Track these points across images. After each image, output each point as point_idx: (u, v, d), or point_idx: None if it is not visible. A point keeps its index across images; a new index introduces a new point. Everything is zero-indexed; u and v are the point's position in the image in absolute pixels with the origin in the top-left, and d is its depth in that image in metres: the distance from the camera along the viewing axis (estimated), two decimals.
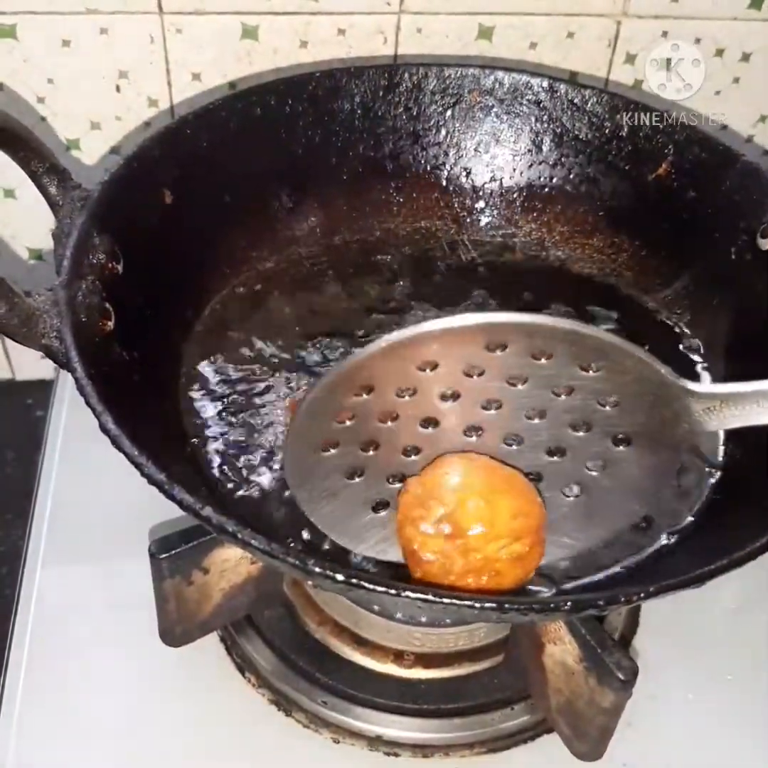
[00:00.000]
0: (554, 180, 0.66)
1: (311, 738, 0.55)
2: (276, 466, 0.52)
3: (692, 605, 0.60)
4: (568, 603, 0.38)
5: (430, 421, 0.47)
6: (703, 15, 0.69)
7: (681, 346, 0.60)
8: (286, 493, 0.50)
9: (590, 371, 0.45)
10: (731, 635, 0.61)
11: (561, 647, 0.48)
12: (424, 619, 0.55)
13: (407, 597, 0.37)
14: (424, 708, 0.55)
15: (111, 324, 0.49)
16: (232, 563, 0.52)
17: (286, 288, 0.62)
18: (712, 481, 0.52)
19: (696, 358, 0.59)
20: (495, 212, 0.67)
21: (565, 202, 0.66)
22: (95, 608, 0.59)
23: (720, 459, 0.53)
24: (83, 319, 0.46)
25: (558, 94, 0.64)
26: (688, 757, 0.55)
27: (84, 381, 0.43)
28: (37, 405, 0.78)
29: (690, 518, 0.51)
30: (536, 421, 0.47)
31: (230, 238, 0.61)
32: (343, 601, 0.57)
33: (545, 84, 0.64)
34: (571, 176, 0.65)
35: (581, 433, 0.47)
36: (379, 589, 0.37)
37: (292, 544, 0.48)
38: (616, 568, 0.48)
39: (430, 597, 0.38)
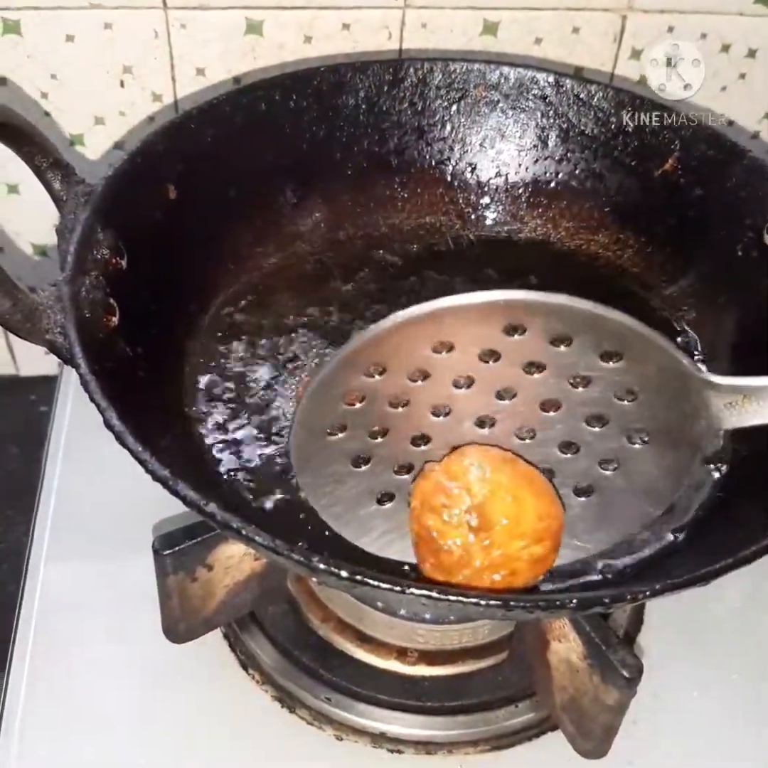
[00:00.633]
0: (560, 175, 0.66)
1: (315, 734, 0.55)
2: (280, 460, 0.52)
3: (697, 603, 0.60)
4: (574, 601, 0.38)
5: (442, 409, 0.46)
6: (709, 10, 0.68)
7: (681, 343, 0.60)
8: (293, 480, 0.50)
9: (610, 362, 0.44)
10: (736, 633, 0.61)
11: (566, 644, 0.48)
12: (427, 616, 0.55)
13: (412, 594, 0.37)
14: (427, 705, 0.55)
15: (115, 319, 0.49)
16: (236, 560, 0.52)
17: (290, 283, 0.62)
18: (717, 477, 0.52)
19: (699, 356, 0.59)
20: (500, 208, 0.67)
21: (570, 198, 0.66)
22: (99, 604, 0.59)
23: (726, 456, 0.53)
24: (87, 315, 0.46)
25: (564, 89, 0.64)
26: (693, 755, 0.55)
27: (88, 377, 0.43)
28: (41, 401, 0.78)
29: (695, 516, 0.50)
30: (551, 413, 0.46)
31: (234, 234, 0.61)
32: (346, 598, 0.56)
33: (551, 79, 0.64)
34: (577, 172, 0.65)
35: (597, 429, 0.45)
36: (384, 585, 0.37)
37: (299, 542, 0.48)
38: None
39: (434, 594, 0.37)
